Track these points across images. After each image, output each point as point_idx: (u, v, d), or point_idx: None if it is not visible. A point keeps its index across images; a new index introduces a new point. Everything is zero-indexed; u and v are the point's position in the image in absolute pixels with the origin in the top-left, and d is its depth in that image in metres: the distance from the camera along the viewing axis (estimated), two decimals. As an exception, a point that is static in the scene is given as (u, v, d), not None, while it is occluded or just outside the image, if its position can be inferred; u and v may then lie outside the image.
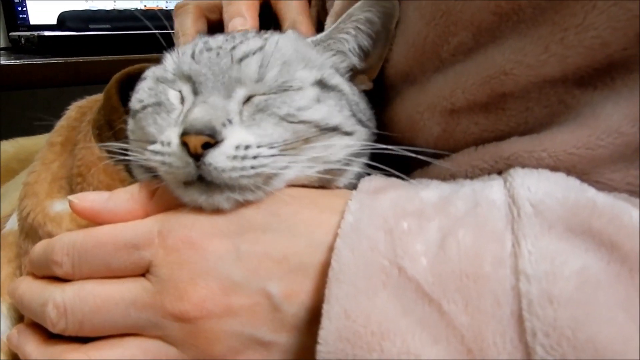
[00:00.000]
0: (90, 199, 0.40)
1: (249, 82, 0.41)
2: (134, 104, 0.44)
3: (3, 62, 1.08)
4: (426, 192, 0.38)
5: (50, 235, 0.43)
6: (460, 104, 0.41)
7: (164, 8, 1.66)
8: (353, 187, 0.42)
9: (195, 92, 0.41)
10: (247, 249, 0.37)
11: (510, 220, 0.33)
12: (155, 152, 0.39)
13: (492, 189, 0.36)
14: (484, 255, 0.32)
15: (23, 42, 1.45)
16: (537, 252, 0.31)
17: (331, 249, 0.35)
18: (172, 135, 0.38)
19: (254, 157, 0.38)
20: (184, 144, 0.37)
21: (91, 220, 0.40)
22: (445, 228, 0.34)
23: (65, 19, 1.33)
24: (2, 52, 1.53)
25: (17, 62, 1.08)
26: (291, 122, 0.40)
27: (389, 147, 0.42)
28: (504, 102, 0.39)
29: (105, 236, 0.39)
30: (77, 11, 1.40)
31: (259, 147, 0.38)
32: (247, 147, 0.38)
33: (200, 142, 0.36)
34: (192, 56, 0.43)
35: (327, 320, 0.33)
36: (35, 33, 1.31)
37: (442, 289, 0.32)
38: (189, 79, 0.42)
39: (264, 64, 0.42)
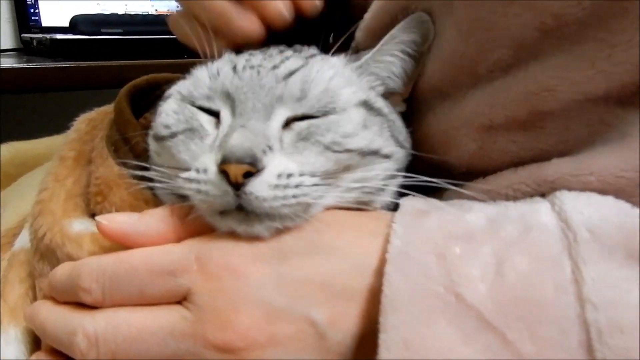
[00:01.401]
0: (119, 221, 0.38)
1: (290, 101, 0.39)
2: (160, 129, 0.42)
3: (15, 65, 1.07)
4: (471, 215, 0.36)
5: (70, 257, 0.41)
6: (498, 121, 0.39)
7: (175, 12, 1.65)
8: (388, 206, 0.41)
9: (234, 113, 0.39)
10: (289, 274, 0.35)
11: (567, 246, 0.32)
12: (190, 180, 0.37)
13: (541, 212, 0.35)
14: (544, 282, 0.31)
15: (35, 44, 1.45)
16: (600, 280, 0.30)
17: (376, 272, 0.34)
18: (208, 162, 0.36)
19: (296, 186, 0.36)
20: (223, 172, 0.35)
21: (120, 242, 0.38)
22: (499, 253, 0.33)
23: (78, 23, 1.32)
24: (13, 53, 1.52)
25: (29, 65, 1.08)
26: (335, 152, 0.38)
27: (426, 178, 0.40)
28: (543, 121, 0.38)
29: (138, 262, 0.36)
30: (89, 15, 1.38)
31: (301, 175, 0.37)
32: (289, 176, 0.36)
33: (242, 171, 0.34)
34: (234, 70, 0.40)
35: (386, 350, 0.31)
36: (48, 36, 1.31)
37: (504, 317, 0.31)
38: (228, 95, 0.40)
39: (307, 81, 0.40)
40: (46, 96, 1.32)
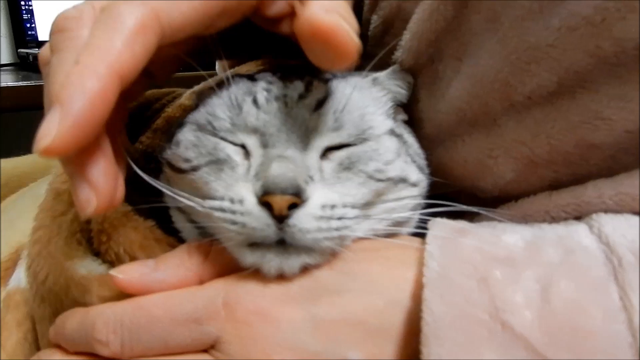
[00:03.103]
0: (136, 272, 0.34)
1: (326, 131, 0.36)
2: (179, 163, 0.38)
3: (9, 83, 1.06)
4: (508, 236, 0.34)
5: (76, 302, 0.38)
6: (540, 151, 0.36)
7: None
8: (413, 234, 0.39)
9: (265, 145, 0.36)
10: (322, 315, 0.32)
11: (612, 270, 0.30)
12: (223, 210, 0.33)
13: (580, 234, 0.33)
14: (592, 309, 0.29)
15: (31, 59, 1.44)
16: None
17: (412, 302, 0.32)
18: (244, 193, 0.33)
19: (339, 218, 0.33)
20: (265, 204, 0.32)
21: (140, 294, 0.34)
22: (543, 278, 0.31)
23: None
24: (10, 68, 1.52)
25: (23, 83, 1.06)
26: (377, 180, 0.36)
27: (452, 204, 0.37)
28: (589, 154, 0.35)
29: (160, 310, 0.33)
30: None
31: (344, 207, 0.34)
32: (332, 207, 0.33)
33: (287, 202, 0.32)
34: (256, 104, 0.36)
35: None
36: (43, 51, 1.29)
37: (554, 347, 0.29)
38: (254, 130, 0.36)
39: (338, 109, 0.37)
40: (42, 113, 1.30)
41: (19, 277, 0.44)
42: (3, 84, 1.03)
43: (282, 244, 0.33)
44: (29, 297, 0.42)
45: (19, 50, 1.55)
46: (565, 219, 0.36)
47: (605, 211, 0.34)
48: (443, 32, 0.41)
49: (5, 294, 0.44)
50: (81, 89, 0.26)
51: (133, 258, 0.38)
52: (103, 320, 0.33)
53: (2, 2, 1.57)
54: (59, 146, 0.26)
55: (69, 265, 0.40)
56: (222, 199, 0.34)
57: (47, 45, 0.32)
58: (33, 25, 1.58)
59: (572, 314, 0.29)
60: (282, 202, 0.31)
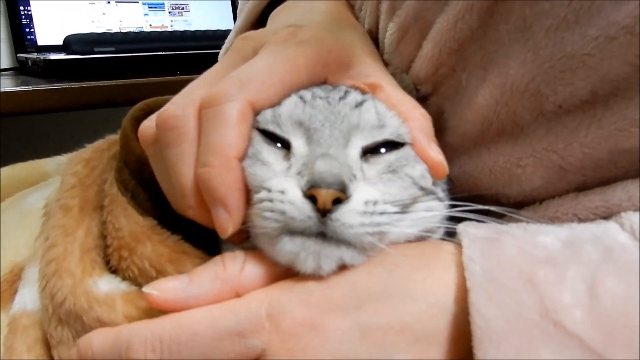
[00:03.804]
0: (171, 288, 0.33)
1: (368, 128, 0.37)
2: None
3: (8, 88, 1.05)
4: (542, 237, 0.34)
5: (100, 321, 0.37)
6: (572, 159, 0.36)
7: (169, 27, 1.64)
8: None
9: (309, 142, 0.36)
10: (367, 322, 0.32)
11: None
12: (261, 200, 0.34)
13: (613, 231, 0.33)
14: None
15: (30, 64, 1.43)
16: None
17: (456, 306, 0.32)
18: (286, 185, 0.33)
19: (381, 214, 0.34)
20: (310, 198, 0.32)
21: (176, 311, 0.33)
22: (587, 277, 0.31)
23: (71, 42, 1.29)
24: (9, 73, 1.51)
25: (22, 88, 1.06)
26: (420, 188, 0.37)
27: (478, 205, 0.37)
28: (619, 158, 0.35)
29: (200, 325, 0.32)
30: (81, 34, 1.33)
31: (385, 203, 0.35)
32: (375, 203, 0.34)
33: (332, 197, 0.32)
34: (302, 100, 0.37)
35: None
36: (41, 56, 1.29)
37: (609, 344, 0.29)
38: (300, 124, 0.37)
39: (381, 112, 0.38)
40: (40, 118, 1.30)
41: (24, 300, 0.43)
42: (2, 89, 1.03)
43: (322, 236, 0.33)
44: (43, 319, 0.41)
45: (18, 55, 1.55)
46: (593, 220, 0.35)
47: (635, 212, 0.34)
48: (467, 42, 0.40)
49: (11, 319, 0.42)
50: (227, 187, 0.34)
51: (160, 272, 0.38)
52: (140, 339, 0.32)
53: (1, 7, 1.57)
54: (237, 228, 0.34)
55: (90, 284, 0.38)
56: (258, 191, 0.34)
57: (147, 126, 0.39)
58: (32, 30, 1.57)
59: (623, 311, 0.29)
60: (327, 195, 0.32)
